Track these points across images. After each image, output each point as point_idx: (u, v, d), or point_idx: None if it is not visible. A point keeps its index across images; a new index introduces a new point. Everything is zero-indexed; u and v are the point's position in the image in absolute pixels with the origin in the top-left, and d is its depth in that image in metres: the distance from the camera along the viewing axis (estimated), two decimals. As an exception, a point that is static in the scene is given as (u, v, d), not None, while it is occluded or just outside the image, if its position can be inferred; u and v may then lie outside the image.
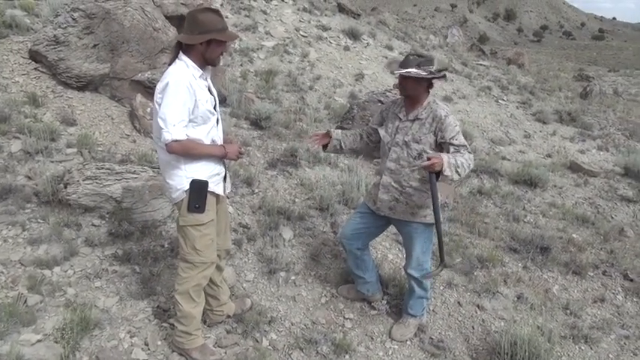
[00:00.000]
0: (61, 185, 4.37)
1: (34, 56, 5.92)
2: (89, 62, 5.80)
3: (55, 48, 5.72)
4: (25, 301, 3.44)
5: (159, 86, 2.86)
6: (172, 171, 3.01)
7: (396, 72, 3.48)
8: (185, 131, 2.84)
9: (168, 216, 4.58)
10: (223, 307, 3.66)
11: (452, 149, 3.33)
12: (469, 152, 3.34)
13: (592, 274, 5.07)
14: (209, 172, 3.07)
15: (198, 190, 3.00)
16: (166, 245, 4.33)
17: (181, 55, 2.92)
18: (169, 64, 2.95)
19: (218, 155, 3.07)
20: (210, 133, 3.06)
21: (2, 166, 4.55)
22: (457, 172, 3.17)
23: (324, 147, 3.84)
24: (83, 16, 5.74)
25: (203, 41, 2.85)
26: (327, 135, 3.82)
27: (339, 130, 3.89)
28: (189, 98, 2.82)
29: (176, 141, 2.78)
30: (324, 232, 5.04)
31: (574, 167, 8.14)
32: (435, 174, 3.19)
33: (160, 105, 2.81)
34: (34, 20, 6.92)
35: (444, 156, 3.16)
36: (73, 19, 5.74)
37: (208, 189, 3.05)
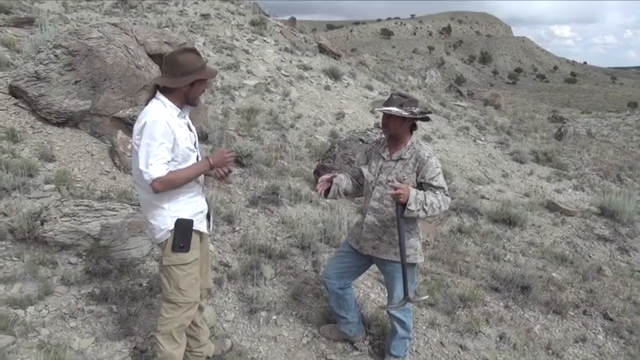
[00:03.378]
0: (38, 222, 4.28)
1: (14, 92, 5.88)
2: (70, 98, 5.77)
3: (35, 84, 5.69)
4: (-4, 343, 3.31)
5: (136, 127, 2.85)
6: (155, 211, 2.97)
7: (377, 109, 3.55)
8: (165, 167, 2.80)
9: (147, 254, 4.50)
10: (203, 348, 3.57)
11: (429, 189, 3.38)
12: (446, 195, 3.40)
13: (572, 313, 5.08)
14: (193, 210, 3.04)
15: (184, 229, 2.96)
16: (145, 284, 4.24)
17: (159, 95, 2.92)
18: (146, 104, 2.94)
19: (205, 170, 3.01)
20: None
21: (-23, 203, 4.45)
22: (424, 209, 3.25)
23: (326, 194, 3.74)
24: (65, 52, 5.74)
25: (187, 84, 2.86)
26: (330, 180, 3.73)
27: (340, 176, 3.79)
28: (167, 137, 2.80)
29: (157, 179, 2.74)
30: (306, 271, 4.99)
31: (551, 206, 8.26)
32: (401, 206, 3.26)
33: (138, 146, 2.78)
34: (15, 56, 6.91)
35: (412, 190, 3.24)
36: (55, 55, 5.74)
37: (193, 228, 3.01)
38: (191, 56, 2.89)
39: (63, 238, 4.21)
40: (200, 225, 3.10)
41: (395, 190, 3.23)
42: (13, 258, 4.07)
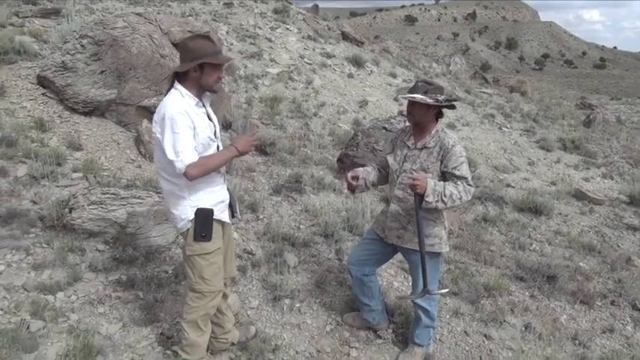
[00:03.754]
0: (66, 210, 4.36)
1: (42, 82, 5.98)
2: (96, 88, 5.85)
3: (62, 74, 5.78)
4: (28, 327, 3.40)
5: (156, 117, 2.88)
6: (176, 201, 3.00)
7: (401, 97, 3.52)
8: (195, 153, 2.82)
9: (172, 242, 4.56)
10: (227, 335, 3.61)
11: (452, 179, 3.35)
12: (469, 185, 3.35)
13: (600, 303, 5.00)
14: (214, 199, 3.05)
15: (204, 218, 2.98)
16: (170, 271, 4.30)
17: (176, 85, 2.94)
18: (165, 95, 2.96)
19: (233, 156, 3.02)
20: None
21: (8, 191, 4.55)
22: (442, 200, 3.24)
23: (353, 190, 3.72)
24: (91, 42, 5.81)
25: (195, 66, 2.87)
26: (357, 177, 3.66)
27: (364, 169, 3.75)
28: (189, 126, 2.82)
29: (190, 164, 2.76)
30: (329, 259, 5.01)
31: (579, 195, 8.11)
32: (418, 197, 3.26)
33: (162, 139, 2.81)
34: (43, 46, 7.01)
35: (431, 181, 3.24)
36: (82, 45, 5.81)
37: (214, 217, 3.03)
38: (202, 42, 2.90)
39: (90, 225, 4.29)
40: (221, 214, 3.12)
41: (413, 180, 3.24)
42: (43, 245, 4.17)
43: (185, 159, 2.75)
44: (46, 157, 4.97)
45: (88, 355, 3.28)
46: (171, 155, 2.76)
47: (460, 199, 3.29)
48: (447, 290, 4.33)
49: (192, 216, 2.97)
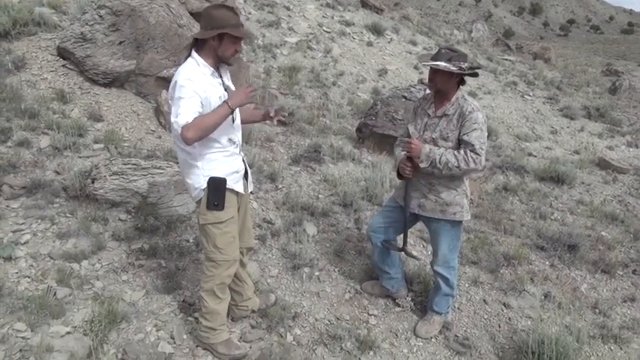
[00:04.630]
0: (89, 180, 4.43)
1: (62, 53, 6.00)
2: (115, 59, 5.86)
3: (82, 45, 5.79)
4: (55, 294, 3.49)
5: (171, 85, 2.87)
6: (190, 170, 3.02)
7: (424, 64, 3.47)
8: (192, 115, 2.72)
9: (193, 211, 4.61)
10: (248, 303, 3.67)
11: (462, 145, 3.34)
12: (474, 153, 3.27)
13: (621, 272, 4.97)
14: (227, 169, 3.06)
15: (216, 187, 2.99)
16: (191, 240, 4.37)
17: (193, 53, 2.92)
18: (183, 62, 2.95)
19: (226, 113, 2.82)
20: (227, 131, 3.03)
21: (32, 161, 4.63)
22: (437, 167, 3.31)
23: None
24: (109, 13, 5.80)
25: (214, 35, 2.84)
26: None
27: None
28: (199, 93, 2.79)
29: (185, 125, 2.66)
30: (348, 229, 5.03)
31: (602, 164, 7.98)
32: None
33: (172, 104, 2.81)
34: (62, 18, 7.01)
35: (426, 147, 3.33)
36: (100, 16, 5.80)
37: (227, 186, 3.04)
38: (225, 12, 2.87)
39: (113, 195, 4.35)
40: (235, 185, 3.12)
41: (408, 144, 3.36)
42: (67, 215, 4.25)
43: (180, 120, 2.68)
44: (68, 128, 5.02)
45: (113, 321, 3.37)
46: (172, 117, 2.74)
47: (458, 167, 3.25)
48: (420, 257, 4.22)
49: (205, 185, 2.99)
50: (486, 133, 3.38)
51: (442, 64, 3.25)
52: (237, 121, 3.18)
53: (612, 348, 3.92)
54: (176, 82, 2.80)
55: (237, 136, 3.17)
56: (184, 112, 2.70)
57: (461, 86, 3.44)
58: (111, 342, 3.30)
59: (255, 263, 4.24)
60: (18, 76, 5.57)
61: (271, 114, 3.21)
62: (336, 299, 4.12)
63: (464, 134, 3.31)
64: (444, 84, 3.35)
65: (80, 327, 3.32)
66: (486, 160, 3.28)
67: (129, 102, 5.93)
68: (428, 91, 3.62)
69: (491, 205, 6.05)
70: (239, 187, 3.18)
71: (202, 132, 2.74)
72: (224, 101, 2.84)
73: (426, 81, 3.59)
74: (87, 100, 5.68)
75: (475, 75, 3.42)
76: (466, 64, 3.29)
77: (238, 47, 2.97)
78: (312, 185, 5.70)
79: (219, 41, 2.87)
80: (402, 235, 3.85)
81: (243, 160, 3.28)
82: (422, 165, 3.33)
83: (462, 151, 3.29)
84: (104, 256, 3.97)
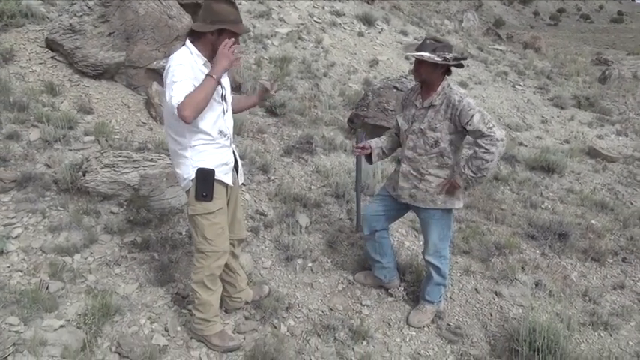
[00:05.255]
0: (80, 173, 4.40)
1: (51, 45, 5.95)
2: (105, 51, 5.81)
3: (71, 37, 5.73)
4: (47, 288, 3.49)
5: (164, 73, 2.85)
6: (180, 160, 3.02)
7: (408, 54, 3.47)
8: (184, 94, 2.68)
9: (185, 203, 4.59)
10: (241, 294, 3.69)
11: (473, 139, 3.34)
12: (485, 137, 3.23)
13: (611, 260, 5.02)
14: (216, 161, 3.04)
15: (204, 178, 2.99)
16: (184, 233, 4.37)
17: (187, 42, 2.90)
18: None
19: (213, 84, 2.75)
20: (217, 123, 3.01)
21: (22, 155, 4.60)
22: (477, 180, 3.38)
23: (370, 160, 3.89)
24: (98, 4, 5.74)
25: (213, 30, 2.82)
26: (365, 147, 3.81)
27: (375, 139, 3.87)
28: (189, 77, 2.75)
29: (179, 104, 2.62)
30: (341, 219, 5.04)
31: (592, 153, 8.04)
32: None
33: (165, 89, 2.76)
34: (50, 9, 6.94)
35: (457, 178, 3.42)
36: (89, 7, 5.74)
37: (216, 178, 3.04)
38: (226, 7, 2.85)
39: (104, 188, 4.34)
40: (224, 177, 3.11)
41: (449, 187, 3.48)
42: (59, 208, 4.23)
43: (174, 102, 2.64)
44: (58, 120, 4.99)
45: (107, 315, 3.37)
46: (167, 100, 2.70)
47: (486, 161, 3.24)
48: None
49: (194, 176, 2.99)
50: (485, 111, 3.34)
51: (426, 54, 3.25)
52: (229, 112, 3.17)
53: (602, 334, 3.98)
54: (169, 67, 2.77)
55: (228, 128, 3.16)
56: (176, 94, 2.66)
57: (447, 76, 3.43)
58: (105, 335, 3.30)
59: (248, 255, 4.25)
60: (6, 68, 5.52)
61: (269, 89, 3.25)
62: (329, 290, 4.14)
63: (466, 124, 3.27)
64: (428, 74, 3.35)
65: (74, 320, 3.31)
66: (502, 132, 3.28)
67: (119, 94, 5.90)
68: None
69: (483, 195, 6.09)
70: (228, 179, 3.17)
71: (196, 107, 2.67)
72: (206, 74, 2.77)
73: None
74: (77, 92, 5.64)
75: (460, 66, 3.42)
76: (451, 55, 3.29)
77: (236, 43, 2.96)
78: (304, 176, 5.71)
79: (217, 36, 2.85)
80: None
81: (234, 152, 3.27)
82: (466, 191, 3.62)
83: (476, 149, 3.28)
84: (96, 249, 3.97)
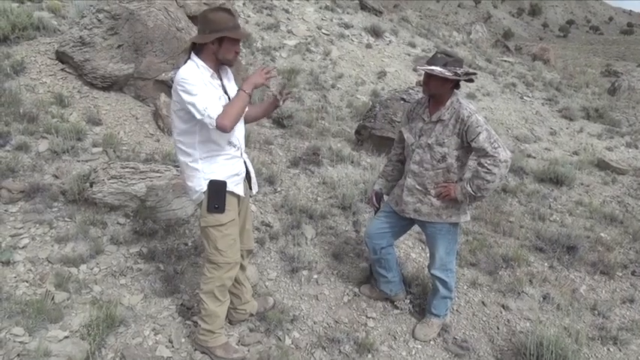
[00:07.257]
0: (87, 184, 4.43)
1: (61, 57, 6.02)
2: (114, 63, 5.87)
3: (81, 49, 5.80)
4: (53, 298, 3.50)
5: (173, 88, 2.87)
6: (190, 173, 3.02)
7: (419, 68, 3.46)
8: (220, 105, 2.81)
9: (191, 215, 4.61)
10: (246, 306, 3.67)
11: (477, 155, 3.33)
12: (488, 157, 3.20)
13: (620, 274, 4.96)
14: (227, 172, 3.06)
15: (216, 190, 3.00)
16: (190, 244, 4.37)
17: (193, 56, 2.91)
18: (182, 65, 2.94)
19: (246, 99, 2.88)
20: (227, 134, 3.00)
21: (30, 166, 4.64)
22: (475, 197, 3.35)
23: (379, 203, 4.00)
24: (108, 17, 5.81)
25: (214, 39, 2.84)
26: (376, 194, 3.94)
27: (379, 181, 3.96)
28: (203, 88, 2.80)
29: (219, 116, 2.74)
30: (347, 231, 5.03)
31: (602, 165, 7.98)
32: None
33: (184, 104, 2.79)
34: (61, 22, 7.04)
35: (458, 187, 3.39)
36: (98, 20, 5.81)
37: (228, 189, 3.05)
38: (223, 15, 2.87)
39: (111, 199, 4.36)
40: (235, 187, 3.12)
41: (444, 190, 3.44)
42: (66, 219, 4.25)
43: (212, 113, 2.72)
44: (67, 132, 5.03)
45: (111, 326, 3.37)
46: (199, 115, 2.75)
47: (488, 182, 3.21)
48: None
49: (205, 188, 2.99)
50: (492, 130, 3.31)
51: (437, 69, 3.22)
52: (240, 124, 3.17)
53: (611, 349, 3.92)
54: (180, 83, 2.78)
55: (239, 139, 3.16)
56: (210, 106, 2.75)
57: (456, 90, 3.42)
58: (109, 346, 3.29)
59: (253, 266, 4.24)
60: (17, 80, 5.58)
61: (278, 97, 3.25)
62: (334, 302, 4.12)
63: (471, 140, 3.25)
64: (438, 88, 3.32)
65: (78, 331, 3.32)
66: (510, 151, 3.26)
67: (127, 106, 5.94)
68: (422, 94, 3.61)
69: (490, 207, 6.06)
70: (239, 190, 3.18)
71: (235, 118, 2.82)
72: (238, 89, 2.91)
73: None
74: (85, 103, 5.69)
75: (471, 81, 3.41)
76: (462, 70, 3.27)
77: (237, 49, 2.98)
78: (310, 188, 5.71)
79: (218, 45, 2.87)
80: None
81: (245, 163, 3.27)
82: (464, 204, 3.51)
83: (479, 168, 3.25)
84: (102, 260, 3.98)
